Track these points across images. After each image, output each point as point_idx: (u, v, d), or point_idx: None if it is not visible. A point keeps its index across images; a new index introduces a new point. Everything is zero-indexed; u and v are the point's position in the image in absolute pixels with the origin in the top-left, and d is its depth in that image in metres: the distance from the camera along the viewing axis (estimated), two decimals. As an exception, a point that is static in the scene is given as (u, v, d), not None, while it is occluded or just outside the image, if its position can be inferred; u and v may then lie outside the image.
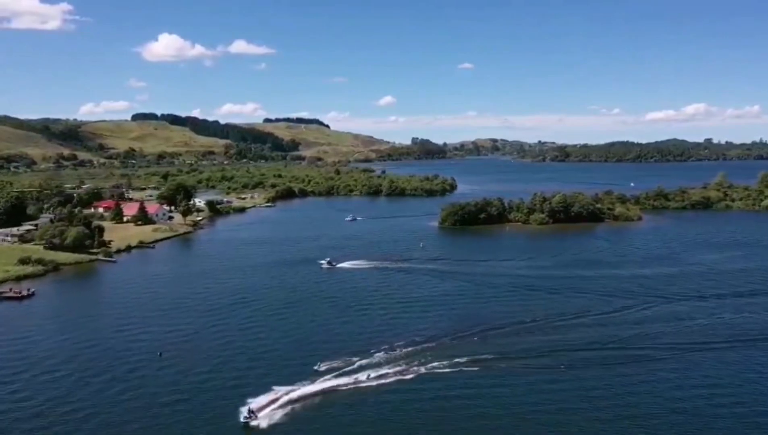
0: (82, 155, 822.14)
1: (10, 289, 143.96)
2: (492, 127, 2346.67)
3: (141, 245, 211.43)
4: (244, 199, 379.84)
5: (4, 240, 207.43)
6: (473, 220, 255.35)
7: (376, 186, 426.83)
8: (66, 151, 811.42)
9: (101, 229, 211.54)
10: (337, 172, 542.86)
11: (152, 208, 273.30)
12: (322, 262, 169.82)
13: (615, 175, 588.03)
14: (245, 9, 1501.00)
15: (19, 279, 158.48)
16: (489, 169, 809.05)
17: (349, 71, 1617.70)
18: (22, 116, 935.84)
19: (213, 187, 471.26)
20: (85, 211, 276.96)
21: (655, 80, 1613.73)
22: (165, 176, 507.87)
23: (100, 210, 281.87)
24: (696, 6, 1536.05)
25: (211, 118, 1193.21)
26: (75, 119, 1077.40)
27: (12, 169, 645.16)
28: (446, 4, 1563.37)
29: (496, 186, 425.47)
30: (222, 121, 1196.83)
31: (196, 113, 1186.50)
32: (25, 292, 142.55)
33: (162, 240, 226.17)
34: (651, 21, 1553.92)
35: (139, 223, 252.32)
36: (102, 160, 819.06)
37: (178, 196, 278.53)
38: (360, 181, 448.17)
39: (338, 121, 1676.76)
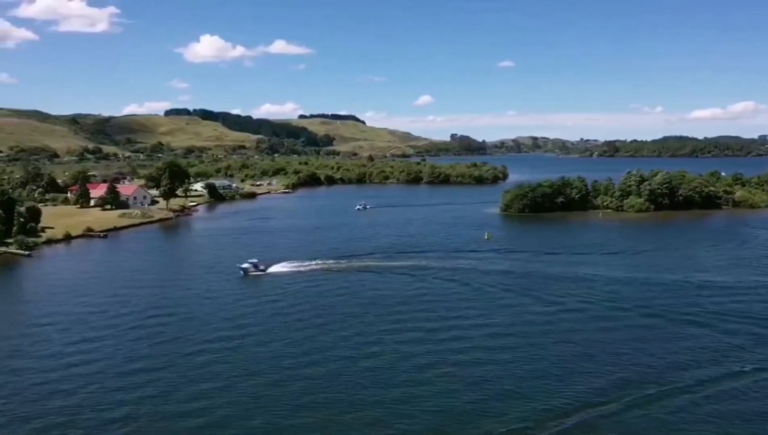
0: (109, 149, 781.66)
1: None
2: (531, 126, 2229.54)
3: (88, 234, 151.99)
4: (259, 185, 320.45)
5: None
6: (548, 205, 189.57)
7: (415, 172, 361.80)
8: (91, 145, 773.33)
9: (35, 212, 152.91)
10: (371, 158, 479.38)
11: (128, 189, 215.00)
12: (246, 265, 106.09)
13: (684, 168, 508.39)
14: (286, 9, 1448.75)
15: None
16: (535, 163, 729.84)
17: (387, 70, 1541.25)
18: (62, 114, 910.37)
19: (231, 175, 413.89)
20: (54, 195, 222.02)
21: (698, 79, 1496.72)
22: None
23: (72, 194, 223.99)
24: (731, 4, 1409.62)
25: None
26: (111, 115, 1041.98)
27: (33, 160, 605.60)
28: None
29: (551, 176, 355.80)
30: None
31: (235, 113, 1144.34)
32: None
33: (125, 227, 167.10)
34: (688, 19, 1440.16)
35: (108, 207, 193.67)
36: (127, 154, 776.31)
37: (163, 177, 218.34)
38: (397, 168, 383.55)
39: (375, 120, 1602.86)
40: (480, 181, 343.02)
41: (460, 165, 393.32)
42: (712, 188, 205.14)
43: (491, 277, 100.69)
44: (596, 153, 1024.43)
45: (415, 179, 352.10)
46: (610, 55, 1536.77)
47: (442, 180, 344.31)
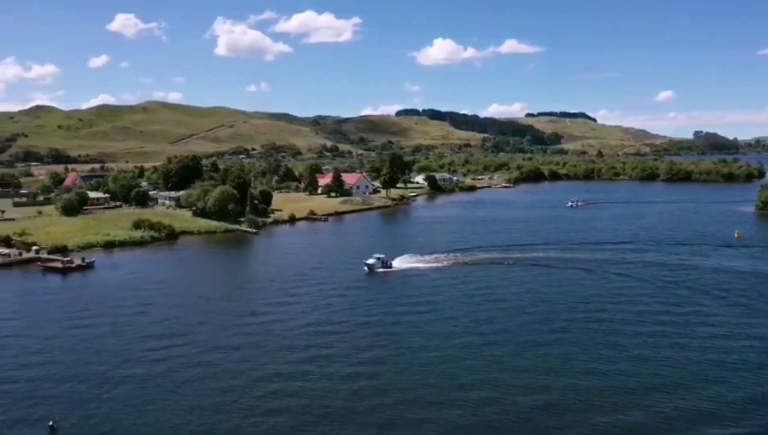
0: (344, 147, 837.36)
1: (68, 259, 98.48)
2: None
3: (311, 217, 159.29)
4: (480, 179, 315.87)
5: (163, 203, 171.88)
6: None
7: (650, 169, 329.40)
8: (329, 144, 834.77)
9: (267, 196, 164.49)
10: (600, 154, 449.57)
11: (352, 178, 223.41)
12: (372, 260, 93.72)
13: None
14: (519, 8, 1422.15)
15: (108, 245, 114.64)
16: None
17: (623, 66, 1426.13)
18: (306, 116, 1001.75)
19: (454, 170, 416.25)
20: (288, 183, 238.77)
21: None
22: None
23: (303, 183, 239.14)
24: None
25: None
26: (348, 117, 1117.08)
27: (279, 157, 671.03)
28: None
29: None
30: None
31: (463, 113, 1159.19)
32: (79, 263, 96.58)
33: (345, 213, 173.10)
34: None
35: (333, 194, 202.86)
36: (360, 151, 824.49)
37: (383, 169, 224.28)
38: (629, 164, 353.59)
39: (607, 119, 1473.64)
40: (729, 178, 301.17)
41: (705, 162, 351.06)
42: None
43: (743, 279, 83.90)
44: None
45: (649, 176, 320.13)
46: None
47: (682, 177, 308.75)
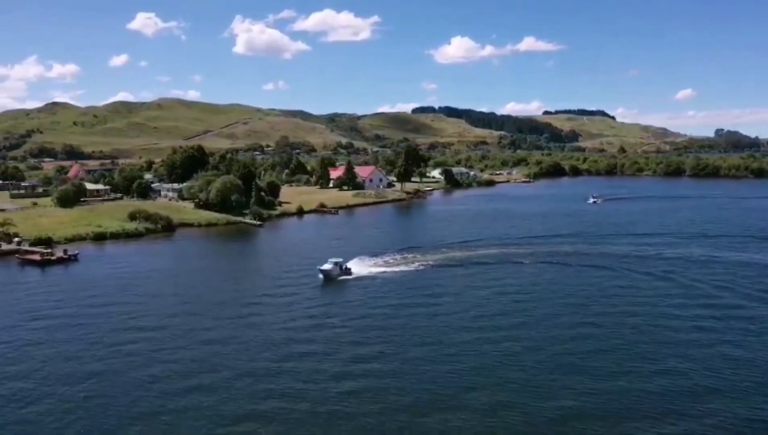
0: (359, 144, 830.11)
1: (48, 251, 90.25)
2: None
3: (320, 210, 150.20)
4: (498, 174, 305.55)
5: (165, 195, 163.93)
6: None
7: (675, 164, 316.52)
8: (344, 141, 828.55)
9: (274, 187, 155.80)
10: (622, 150, 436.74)
11: (365, 171, 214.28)
12: (326, 266, 77.79)
13: None
14: (537, 6, 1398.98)
15: (98, 237, 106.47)
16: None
17: (642, 64, 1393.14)
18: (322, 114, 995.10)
19: (471, 166, 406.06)
20: (299, 176, 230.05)
21: None
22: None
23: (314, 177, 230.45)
24: None
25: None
26: (363, 114, 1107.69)
27: (294, 154, 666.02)
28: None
29: None
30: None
31: (479, 110, 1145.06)
32: (61, 255, 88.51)
33: (357, 206, 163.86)
34: None
35: (345, 187, 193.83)
36: (375, 149, 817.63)
37: (398, 162, 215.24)
38: (653, 160, 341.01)
39: (626, 117, 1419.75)
40: (759, 174, 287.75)
41: (733, 157, 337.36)
42: None
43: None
44: None
45: (675, 172, 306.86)
46: None
47: (709, 172, 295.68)
